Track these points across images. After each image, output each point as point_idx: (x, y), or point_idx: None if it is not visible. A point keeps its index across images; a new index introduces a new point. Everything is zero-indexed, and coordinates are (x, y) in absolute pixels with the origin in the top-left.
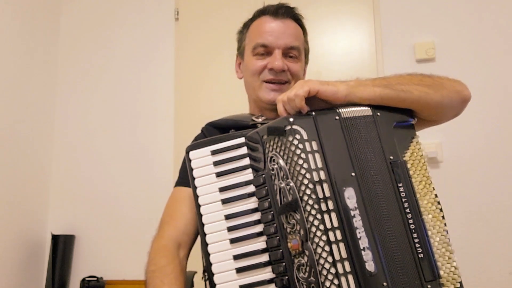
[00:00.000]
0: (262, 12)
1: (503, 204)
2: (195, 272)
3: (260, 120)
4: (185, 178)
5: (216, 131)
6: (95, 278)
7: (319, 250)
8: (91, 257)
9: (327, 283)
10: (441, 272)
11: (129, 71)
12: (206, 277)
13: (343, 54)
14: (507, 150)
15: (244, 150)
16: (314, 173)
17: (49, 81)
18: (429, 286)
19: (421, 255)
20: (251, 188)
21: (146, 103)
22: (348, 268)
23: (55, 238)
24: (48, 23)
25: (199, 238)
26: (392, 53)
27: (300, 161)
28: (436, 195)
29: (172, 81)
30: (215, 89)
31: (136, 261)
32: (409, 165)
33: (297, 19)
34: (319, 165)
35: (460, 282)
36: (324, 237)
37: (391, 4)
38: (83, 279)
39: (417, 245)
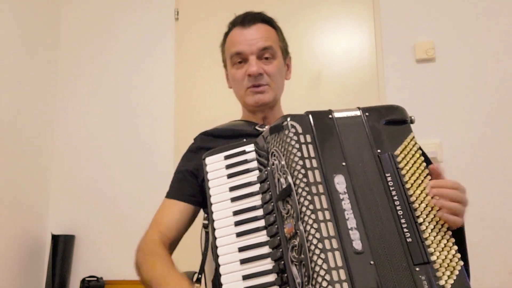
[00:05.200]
0: (233, 24)
1: (503, 204)
2: (195, 272)
3: (263, 129)
4: (178, 190)
5: (213, 138)
6: (95, 278)
7: (308, 227)
8: (91, 257)
9: (315, 257)
10: (434, 257)
11: (129, 71)
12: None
13: (343, 54)
14: (507, 150)
15: (253, 155)
16: (307, 161)
17: (49, 81)
18: (417, 268)
19: (409, 239)
20: (257, 187)
21: (146, 103)
22: (335, 245)
23: (55, 238)
24: (49, 23)
25: (199, 240)
26: (392, 53)
27: (294, 150)
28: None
29: (172, 81)
30: (215, 89)
31: None
32: (400, 159)
33: (266, 21)
34: (312, 154)
35: (460, 270)
36: (313, 216)
37: (391, 4)
38: (83, 279)
39: (405, 230)
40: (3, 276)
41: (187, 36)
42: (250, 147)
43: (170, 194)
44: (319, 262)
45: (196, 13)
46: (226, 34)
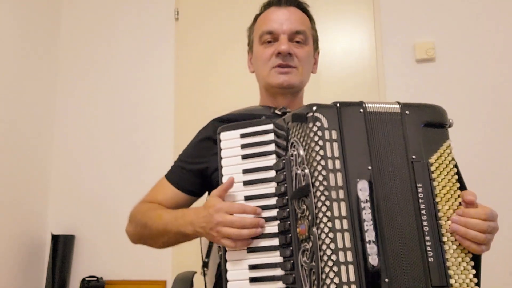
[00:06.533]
0: (267, 5)
1: (503, 204)
2: (195, 272)
3: (286, 110)
4: (177, 177)
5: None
6: (95, 278)
7: (323, 236)
8: (91, 257)
9: (326, 269)
10: (452, 281)
11: (129, 71)
12: (206, 271)
13: (343, 54)
14: (507, 150)
15: (271, 136)
16: (329, 161)
17: (49, 81)
18: None
19: (431, 259)
20: (272, 173)
21: (146, 103)
22: (350, 258)
23: (55, 238)
24: (48, 23)
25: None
26: (392, 53)
27: (317, 148)
28: (460, 203)
29: (172, 81)
30: (215, 89)
31: (136, 261)
32: (434, 168)
33: (302, 8)
34: (336, 154)
35: None
36: (330, 224)
37: (391, 4)
38: (83, 279)
39: (428, 248)
40: (3, 276)
41: (187, 36)
42: (269, 127)
43: (169, 177)
44: (331, 275)
45: (196, 13)
46: (258, 15)
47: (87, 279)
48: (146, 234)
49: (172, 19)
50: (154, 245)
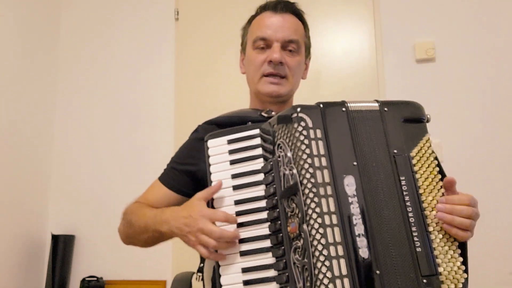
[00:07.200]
0: (263, 8)
1: (503, 204)
2: (194, 273)
3: (270, 115)
4: (170, 178)
5: (216, 127)
6: (95, 278)
7: (313, 232)
8: (91, 257)
9: (319, 264)
10: (441, 269)
11: (129, 71)
12: (201, 277)
13: (343, 54)
14: (506, 150)
15: (257, 141)
16: (316, 159)
17: (49, 81)
18: (424, 280)
19: (418, 249)
20: (261, 176)
21: (146, 103)
22: (341, 252)
23: (55, 238)
24: (48, 23)
25: None
26: (392, 53)
27: (303, 147)
28: (443, 194)
29: (172, 81)
30: (215, 89)
31: (136, 261)
32: (415, 161)
33: (297, 14)
34: (322, 152)
35: (463, 283)
36: (319, 220)
37: (391, 4)
38: (83, 279)
39: (415, 238)
40: (3, 276)
41: (187, 36)
42: (255, 132)
43: (162, 178)
44: (323, 269)
45: (196, 13)
46: (253, 17)
47: (87, 279)
48: (131, 233)
49: (172, 19)
50: (138, 243)
